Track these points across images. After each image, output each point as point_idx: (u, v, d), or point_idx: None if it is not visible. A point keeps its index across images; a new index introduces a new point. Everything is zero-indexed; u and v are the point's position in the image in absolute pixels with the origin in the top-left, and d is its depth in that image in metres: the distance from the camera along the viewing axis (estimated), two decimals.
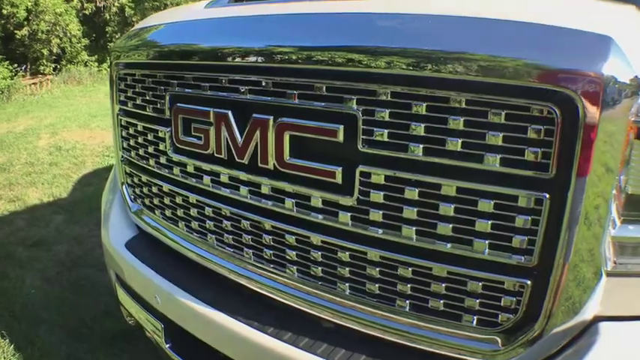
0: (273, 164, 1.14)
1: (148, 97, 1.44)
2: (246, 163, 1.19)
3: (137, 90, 1.49)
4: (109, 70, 1.66)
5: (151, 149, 1.48)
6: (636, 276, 0.99)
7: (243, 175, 1.22)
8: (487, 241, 0.97)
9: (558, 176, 0.91)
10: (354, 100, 1.03)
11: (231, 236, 1.30)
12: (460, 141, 0.95)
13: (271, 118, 1.12)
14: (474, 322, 1.02)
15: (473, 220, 0.97)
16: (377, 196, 1.03)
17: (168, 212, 1.48)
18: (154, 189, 1.51)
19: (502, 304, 0.99)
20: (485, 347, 1.02)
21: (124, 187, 1.68)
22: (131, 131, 1.56)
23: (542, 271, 0.95)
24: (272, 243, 1.21)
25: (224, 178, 1.26)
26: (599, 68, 0.87)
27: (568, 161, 0.90)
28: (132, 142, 1.57)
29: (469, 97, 0.94)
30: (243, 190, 1.23)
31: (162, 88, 1.38)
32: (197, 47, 1.28)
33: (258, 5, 1.34)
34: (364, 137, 1.02)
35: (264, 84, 1.14)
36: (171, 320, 1.42)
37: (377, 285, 1.08)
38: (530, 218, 0.94)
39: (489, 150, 0.94)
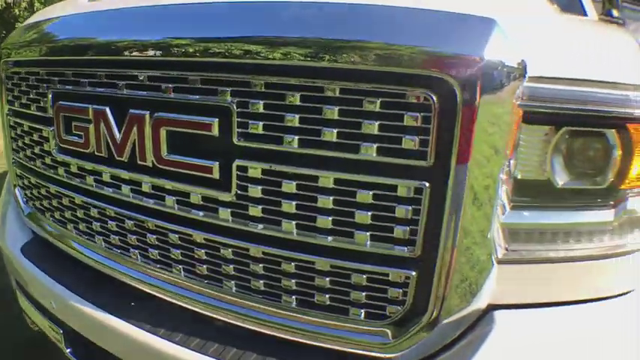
0: (152, 161, 1.08)
1: (32, 96, 1.34)
2: (126, 160, 1.12)
3: (22, 88, 1.39)
4: None
5: (37, 150, 1.38)
6: (529, 263, 0.98)
7: (124, 174, 1.15)
8: (368, 233, 0.94)
9: (437, 164, 0.88)
10: (228, 92, 0.97)
11: (117, 237, 1.23)
12: (336, 131, 0.91)
13: (147, 113, 1.05)
14: (362, 315, 0.99)
15: (352, 212, 0.93)
16: (255, 191, 0.98)
17: (57, 214, 1.39)
18: (43, 191, 1.42)
19: (389, 296, 0.96)
20: (376, 340, 0.99)
21: (16, 189, 1.58)
22: (19, 132, 1.46)
23: (427, 261, 0.93)
24: (156, 242, 1.15)
25: (106, 177, 1.19)
26: (478, 52, 0.85)
27: (447, 148, 0.87)
28: (20, 143, 1.47)
29: (342, 85, 0.90)
30: (125, 188, 1.16)
31: (44, 85, 1.29)
32: (72, 42, 1.20)
33: None
34: (239, 130, 0.97)
35: (140, 78, 1.07)
36: (76, 332, 1.34)
37: (262, 282, 1.04)
38: (410, 208, 0.91)
39: (366, 140, 0.90)
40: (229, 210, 1.02)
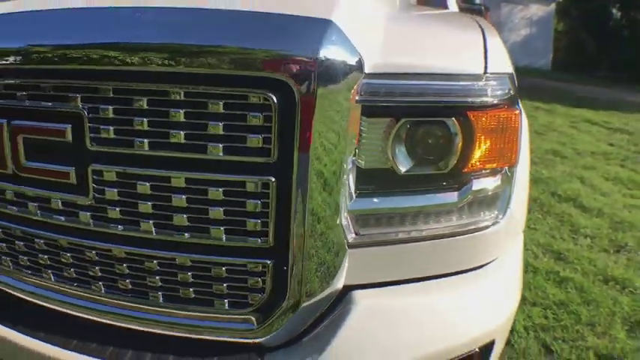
0: (12, 169, 1.07)
1: None
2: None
3: None
4: None
5: None
6: (381, 245, 1.05)
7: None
8: (223, 228, 0.98)
9: (281, 160, 0.93)
10: (79, 98, 0.98)
11: None
12: (183, 133, 0.94)
13: (5, 121, 1.04)
14: (226, 305, 1.03)
15: (206, 209, 0.98)
16: (112, 194, 1.00)
17: None
18: None
19: (249, 285, 1.02)
20: (243, 327, 1.05)
21: None
22: None
23: (280, 250, 0.99)
24: (25, 249, 1.15)
25: None
26: (313, 52, 0.89)
27: (289, 145, 0.93)
28: None
29: (186, 89, 0.93)
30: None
31: None
32: None
33: None
34: (92, 135, 0.98)
35: None
36: None
37: (128, 280, 1.06)
38: (260, 202, 0.96)
39: (212, 140, 0.94)
40: (89, 213, 1.03)
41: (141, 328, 1.10)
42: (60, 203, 1.05)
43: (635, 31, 21.67)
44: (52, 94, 1.00)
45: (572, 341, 2.26)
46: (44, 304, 1.16)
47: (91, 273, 1.09)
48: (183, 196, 0.97)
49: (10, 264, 1.18)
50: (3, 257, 1.19)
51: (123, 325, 1.10)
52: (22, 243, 1.14)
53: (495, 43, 1.09)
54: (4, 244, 1.18)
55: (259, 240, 0.98)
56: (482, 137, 1.01)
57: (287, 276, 1.00)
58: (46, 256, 1.12)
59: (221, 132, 0.93)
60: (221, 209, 0.97)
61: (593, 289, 2.71)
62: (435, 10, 1.81)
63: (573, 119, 8.76)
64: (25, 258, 1.15)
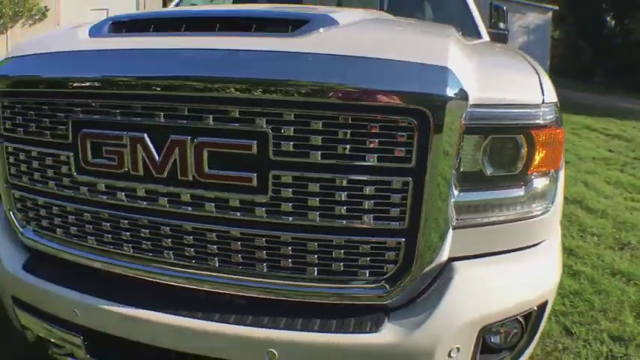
0: (193, 176, 1.36)
1: (46, 124, 1.51)
2: (165, 177, 1.38)
3: (30, 117, 1.53)
4: None
5: (50, 173, 1.55)
6: (471, 227, 1.44)
7: (161, 188, 1.41)
8: (373, 215, 1.34)
9: (418, 165, 1.31)
10: (264, 121, 1.30)
11: (149, 242, 1.47)
12: (349, 147, 1.30)
13: (189, 138, 1.34)
14: (367, 274, 1.38)
15: (361, 202, 1.33)
16: (287, 192, 1.33)
17: (73, 230, 1.57)
18: (55, 210, 1.58)
19: (386, 258, 1.37)
20: (376, 292, 1.39)
21: (11, 213, 1.70)
22: (22, 157, 1.60)
23: (412, 231, 1.35)
24: (192, 241, 1.43)
25: (141, 193, 1.43)
26: (441, 90, 1.28)
27: (423, 154, 1.30)
28: (23, 168, 1.60)
29: (354, 115, 1.28)
30: (162, 200, 1.42)
31: (62, 115, 1.47)
32: (111, 78, 1.40)
33: (166, 38, 1.50)
34: (274, 149, 1.31)
35: (180, 110, 1.35)
36: (92, 330, 1.54)
37: (290, 260, 1.38)
38: (401, 196, 1.33)
39: (370, 151, 1.30)
40: (264, 208, 1.35)
41: (290, 299, 1.42)
42: (238, 202, 1.36)
43: (628, 39, 22.76)
44: (239, 117, 1.32)
45: (588, 325, 2.71)
46: (208, 288, 1.45)
47: (259, 257, 1.40)
48: (344, 193, 1.32)
49: (172, 256, 1.46)
50: (166, 251, 1.46)
51: (281, 298, 1.42)
52: (190, 237, 1.43)
53: (546, 79, 1.54)
54: (170, 240, 1.45)
55: (398, 223, 1.35)
56: (540, 149, 1.45)
57: (414, 251, 1.37)
58: (214, 246, 1.42)
59: (377, 146, 1.30)
60: (372, 202, 1.33)
61: (603, 281, 3.17)
62: (477, 40, 2.27)
63: (574, 126, 9.36)
64: (192, 249, 1.44)
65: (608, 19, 25.40)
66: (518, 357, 1.53)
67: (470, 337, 1.41)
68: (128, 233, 1.49)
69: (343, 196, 1.33)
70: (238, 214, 1.38)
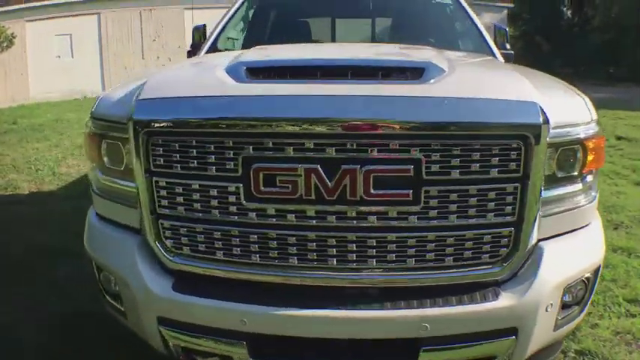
0: (360, 196, 1.72)
1: (211, 161, 1.76)
2: (334, 198, 1.73)
3: (192, 155, 1.78)
4: (131, 136, 1.85)
5: (214, 202, 1.80)
6: (550, 215, 1.94)
7: (330, 208, 1.75)
8: (493, 213, 1.80)
9: (523, 174, 1.79)
10: (418, 150, 1.70)
11: (314, 253, 1.81)
12: (478, 164, 1.74)
13: (358, 166, 1.70)
14: (488, 257, 1.84)
15: (485, 203, 1.78)
16: (434, 202, 1.75)
17: (236, 250, 1.84)
18: (217, 234, 1.84)
19: (500, 244, 1.84)
20: (492, 270, 1.86)
21: (156, 242, 1.91)
22: (178, 190, 1.82)
23: (519, 222, 1.83)
24: (354, 247, 1.79)
25: (310, 213, 1.76)
26: (533, 119, 1.76)
27: (528, 166, 1.78)
28: (179, 200, 1.83)
29: (481, 143, 1.73)
30: (330, 217, 1.76)
31: (232, 152, 1.74)
32: (284, 120, 1.70)
33: (323, 85, 1.84)
34: (426, 170, 1.72)
35: (349, 145, 1.70)
36: (255, 334, 1.83)
37: (433, 254, 1.81)
38: (512, 197, 1.80)
39: (492, 167, 1.75)
40: (416, 217, 1.76)
41: (431, 284, 1.84)
42: (395, 213, 1.75)
43: (585, 28, 23.44)
44: (399, 148, 1.70)
45: (603, 292, 3.29)
46: (362, 285, 1.83)
47: (409, 254, 1.80)
48: (475, 199, 1.77)
49: (335, 261, 1.81)
50: (330, 259, 1.80)
51: (424, 284, 1.83)
52: (353, 245, 1.79)
53: (588, 100, 2.09)
54: (335, 249, 1.79)
55: (510, 217, 1.82)
56: (590, 154, 1.99)
57: (519, 237, 1.85)
58: (373, 250, 1.79)
59: (497, 162, 1.75)
60: (493, 203, 1.79)
61: (607, 256, 3.43)
62: (510, 65, 2.79)
63: None
64: (354, 255, 1.80)
65: (564, 9, 26.34)
66: (582, 309, 2.09)
67: (557, 296, 1.93)
68: (295, 248, 1.81)
69: (474, 201, 1.77)
70: (395, 222, 1.77)
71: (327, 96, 1.76)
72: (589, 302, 2.13)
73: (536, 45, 25.93)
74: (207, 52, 3.59)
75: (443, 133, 1.72)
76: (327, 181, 1.72)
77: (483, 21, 3.60)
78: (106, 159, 2.11)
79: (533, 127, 1.76)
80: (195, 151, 1.79)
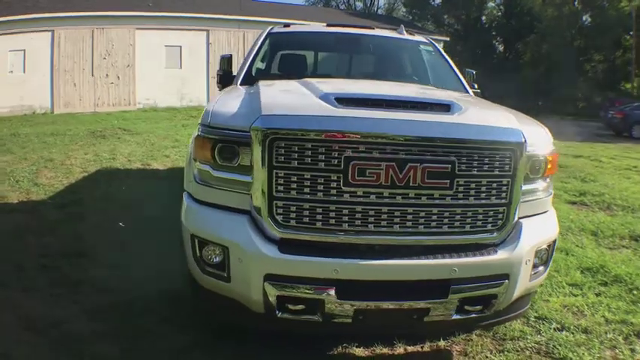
0: (418, 183, 2.67)
1: (321, 159, 2.62)
2: (402, 184, 2.66)
3: (307, 154, 2.63)
4: (257, 140, 2.66)
5: (320, 187, 2.65)
6: (525, 202, 3.03)
7: (399, 190, 2.67)
8: (495, 196, 2.83)
9: (512, 173, 2.84)
10: (454, 155, 2.69)
11: (385, 222, 2.71)
12: (487, 165, 2.77)
13: (419, 164, 2.65)
14: (489, 226, 2.86)
15: (492, 190, 2.81)
16: (461, 189, 2.74)
17: (332, 221, 2.69)
18: (319, 209, 2.68)
19: (498, 217, 2.87)
20: (491, 235, 2.88)
21: (268, 218, 2.71)
22: (293, 179, 2.65)
23: (509, 203, 2.88)
24: (411, 218, 2.72)
25: (386, 194, 2.67)
26: (520, 139, 2.85)
27: (515, 167, 2.84)
28: (293, 186, 2.66)
29: (489, 152, 2.77)
30: (398, 197, 2.68)
31: (337, 153, 2.62)
32: (373, 133, 2.63)
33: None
34: (458, 167, 2.70)
35: (413, 151, 2.66)
36: (344, 280, 2.68)
37: (458, 222, 2.79)
38: (505, 187, 2.85)
39: (495, 167, 2.79)
40: (450, 197, 2.73)
41: (455, 244, 2.81)
42: (438, 194, 2.72)
43: (517, 62, 24.83)
44: (441, 154, 2.69)
45: (550, 279, 4.50)
46: (411, 243, 2.77)
47: (444, 222, 2.76)
48: (485, 187, 2.79)
49: (398, 228, 2.73)
50: (394, 225, 2.72)
51: (451, 243, 2.80)
52: (410, 215, 2.73)
53: (548, 130, 3.23)
54: (399, 217, 2.71)
55: (504, 200, 2.86)
56: (550, 164, 3.11)
57: (509, 214, 2.89)
58: (423, 219, 2.74)
59: (497, 164, 2.80)
60: (495, 190, 2.83)
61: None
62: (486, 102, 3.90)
63: None
64: (410, 222, 2.73)
65: (496, 43, 28.23)
66: (545, 269, 3.19)
67: (531, 255, 2.98)
68: (372, 218, 2.71)
69: (484, 188, 2.79)
70: (437, 201, 2.74)
71: (398, 120, 2.73)
72: (549, 265, 3.22)
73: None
74: (244, 78, 4.49)
75: (468, 145, 2.74)
76: (399, 173, 2.66)
77: None
78: (218, 158, 2.88)
79: (519, 144, 2.84)
80: (310, 152, 2.64)
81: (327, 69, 5.16)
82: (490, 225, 2.88)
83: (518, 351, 3.33)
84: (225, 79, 4.82)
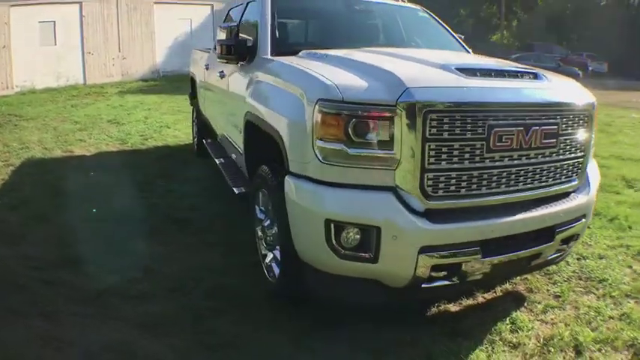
0: (537, 144, 3.03)
1: (468, 128, 2.80)
2: (526, 147, 2.99)
3: (456, 125, 2.78)
4: (408, 114, 2.73)
5: (467, 156, 2.83)
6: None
7: (523, 152, 2.99)
8: (579, 151, 3.33)
9: (589, 131, 3.37)
10: (559, 118, 3.11)
11: (513, 182, 3.02)
12: (576, 125, 3.25)
13: (538, 127, 3.00)
14: (573, 175, 3.36)
15: (577, 145, 3.30)
16: (562, 145, 3.18)
17: (474, 187, 2.89)
18: (464, 177, 2.86)
19: (578, 167, 3.38)
20: (575, 182, 3.38)
21: (419, 190, 2.80)
22: (444, 150, 2.78)
23: (585, 156, 3.42)
24: (530, 175, 3.08)
25: (515, 156, 2.97)
26: (593, 101, 3.39)
27: (590, 127, 3.37)
28: (444, 157, 2.79)
29: (572, 112, 3.24)
30: (524, 158, 3.01)
31: (481, 122, 2.82)
32: (505, 102, 2.89)
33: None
34: (562, 127, 3.13)
35: (534, 116, 3.00)
36: (485, 240, 2.94)
37: (560, 175, 3.23)
38: (584, 142, 3.37)
39: (580, 126, 3.28)
40: (556, 154, 3.15)
41: (553, 194, 3.25)
42: (547, 152, 3.12)
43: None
44: (550, 116, 3.08)
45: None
46: (517, 200, 3.13)
47: (550, 177, 3.17)
48: (575, 143, 3.26)
49: (520, 185, 3.06)
50: (516, 184, 3.04)
51: (545, 196, 3.23)
52: (530, 173, 3.08)
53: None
54: (522, 177, 3.04)
55: (582, 153, 3.37)
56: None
57: (585, 165, 3.43)
58: (537, 175, 3.11)
59: (582, 124, 3.29)
60: (579, 145, 3.32)
61: None
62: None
63: None
64: (528, 179, 3.08)
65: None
66: (588, 219, 3.78)
67: (594, 201, 3.55)
68: (505, 179, 3.00)
69: (575, 144, 3.28)
70: (548, 157, 3.13)
71: (523, 88, 3.07)
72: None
73: None
74: (273, 48, 4.31)
75: (569, 108, 3.18)
76: (525, 136, 2.98)
77: None
78: (353, 135, 2.81)
79: (594, 105, 3.38)
80: (459, 122, 2.80)
81: (345, 37, 4.93)
82: (574, 174, 3.37)
83: (566, 281, 3.95)
84: (239, 49, 4.43)
